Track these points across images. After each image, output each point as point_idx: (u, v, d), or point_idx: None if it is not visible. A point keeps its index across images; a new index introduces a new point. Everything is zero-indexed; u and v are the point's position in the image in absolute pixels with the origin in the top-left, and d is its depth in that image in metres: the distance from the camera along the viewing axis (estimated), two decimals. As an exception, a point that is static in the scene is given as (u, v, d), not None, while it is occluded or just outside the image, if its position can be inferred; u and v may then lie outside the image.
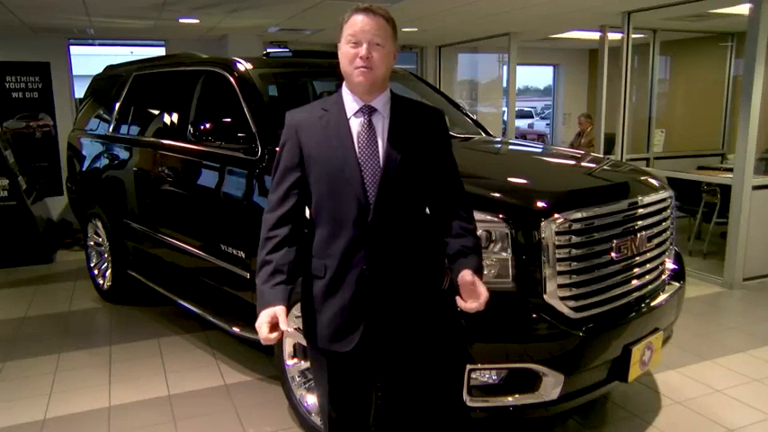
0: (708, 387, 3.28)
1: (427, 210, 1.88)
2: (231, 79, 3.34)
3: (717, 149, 7.73)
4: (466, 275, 1.75)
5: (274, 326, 1.68)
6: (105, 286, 4.76)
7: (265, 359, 3.55)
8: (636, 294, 2.62)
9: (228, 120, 3.14)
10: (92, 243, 4.94)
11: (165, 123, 4.05)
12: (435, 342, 1.92)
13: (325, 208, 1.77)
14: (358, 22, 1.72)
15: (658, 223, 2.75)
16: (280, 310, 1.70)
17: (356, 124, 1.78)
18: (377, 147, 1.76)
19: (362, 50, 1.71)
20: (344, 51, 1.74)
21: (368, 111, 1.78)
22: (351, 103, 1.79)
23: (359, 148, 1.75)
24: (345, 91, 1.82)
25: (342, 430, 1.96)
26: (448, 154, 1.88)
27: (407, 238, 1.80)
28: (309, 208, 1.83)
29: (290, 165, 1.81)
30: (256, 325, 1.71)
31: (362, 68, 1.71)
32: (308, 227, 1.84)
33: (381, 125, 1.78)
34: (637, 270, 2.62)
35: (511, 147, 3.94)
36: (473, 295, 1.74)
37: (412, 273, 1.81)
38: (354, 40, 1.72)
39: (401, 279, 1.79)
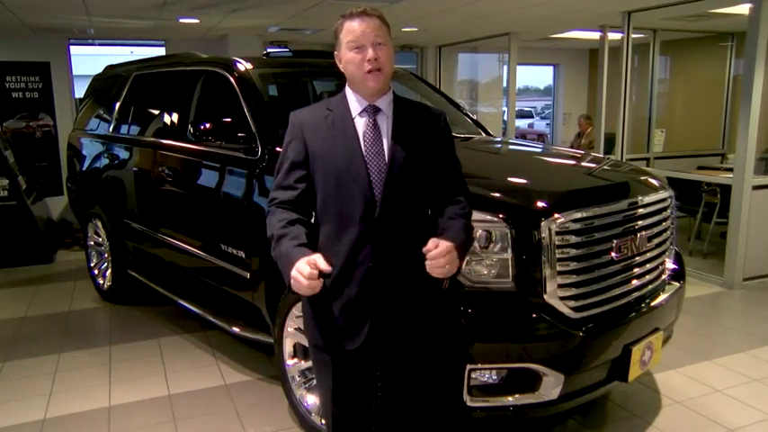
0: (708, 387, 3.28)
1: (429, 212, 1.89)
2: (231, 79, 3.34)
3: (717, 149, 7.73)
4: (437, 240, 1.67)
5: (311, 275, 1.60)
6: (105, 286, 4.76)
7: (265, 359, 3.55)
8: (636, 294, 2.62)
9: (228, 120, 3.14)
10: (92, 243, 4.94)
11: (165, 123, 4.05)
12: (436, 341, 1.92)
13: (331, 206, 1.78)
14: (356, 27, 1.74)
15: (658, 223, 2.75)
16: (317, 255, 1.65)
17: (361, 123, 1.80)
18: (382, 145, 1.78)
19: (369, 53, 1.73)
20: (349, 58, 1.76)
21: (372, 110, 1.81)
22: (355, 103, 1.83)
23: (365, 146, 1.77)
24: (349, 92, 1.85)
25: (344, 428, 1.96)
26: (451, 155, 1.90)
27: (412, 236, 1.80)
28: (314, 207, 1.84)
29: (295, 161, 1.83)
30: (293, 274, 1.62)
31: (374, 71, 1.73)
32: (312, 226, 1.84)
33: (386, 124, 1.81)
34: (637, 270, 2.61)
35: (511, 147, 3.94)
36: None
37: (416, 270, 1.81)
38: (357, 44, 1.74)
39: (406, 276, 1.80)
